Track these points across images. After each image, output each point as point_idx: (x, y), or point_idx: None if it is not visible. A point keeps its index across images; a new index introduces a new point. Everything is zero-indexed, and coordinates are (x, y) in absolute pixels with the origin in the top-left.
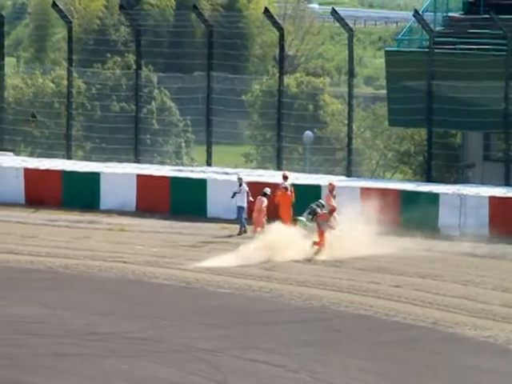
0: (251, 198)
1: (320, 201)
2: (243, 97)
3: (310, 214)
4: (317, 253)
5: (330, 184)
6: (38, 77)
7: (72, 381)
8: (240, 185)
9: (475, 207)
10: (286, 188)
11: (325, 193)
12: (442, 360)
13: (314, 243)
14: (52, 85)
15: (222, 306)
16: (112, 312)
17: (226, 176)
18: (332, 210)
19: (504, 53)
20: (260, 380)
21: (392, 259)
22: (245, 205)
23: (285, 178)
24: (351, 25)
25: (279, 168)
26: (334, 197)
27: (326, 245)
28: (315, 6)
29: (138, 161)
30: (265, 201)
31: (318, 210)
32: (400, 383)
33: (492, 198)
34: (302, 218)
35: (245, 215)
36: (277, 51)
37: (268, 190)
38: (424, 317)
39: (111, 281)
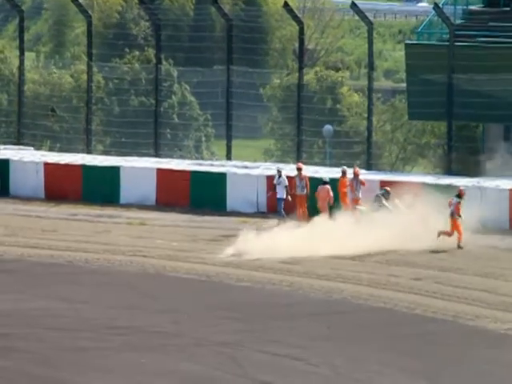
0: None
1: (386, 188)
2: (261, 90)
3: (382, 197)
4: (459, 242)
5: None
6: (54, 72)
7: (92, 375)
8: (279, 177)
9: (495, 200)
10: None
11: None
12: (463, 353)
13: (442, 233)
14: (70, 79)
15: (243, 300)
16: (132, 306)
17: (245, 170)
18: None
19: None
20: (280, 373)
21: (412, 252)
22: (284, 196)
23: (299, 169)
24: (371, 18)
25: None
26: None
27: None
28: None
29: (158, 155)
30: (329, 189)
31: (384, 200)
32: (421, 377)
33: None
34: (363, 208)
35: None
36: (296, 45)
37: (327, 178)
38: (444, 310)
39: (131, 275)
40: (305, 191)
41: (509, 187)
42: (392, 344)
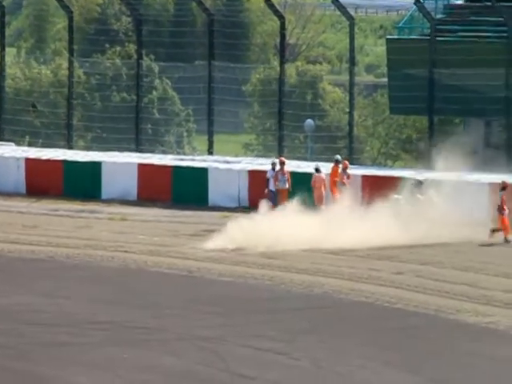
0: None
1: (418, 178)
2: (243, 86)
3: (416, 188)
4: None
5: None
6: (34, 67)
7: (73, 370)
8: (273, 169)
9: (476, 194)
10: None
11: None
12: (444, 347)
13: (494, 231)
14: (51, 75)
15: (224, 295)
16: (113, 301)
17: (227, 165)
18: None
19: (505, 40)
20: (263, 368)
21: (393, 246)
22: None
23: (282, 163)
24: (352, 13)
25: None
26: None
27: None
28: None
29: (139, 150)
30: (324, 176)
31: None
32: (403, 370)
33: (492, 185)
34: (399, 197)
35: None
36: (278, 40)
37: (320, 165)
38: (426, 304)
39: (112, 270)
40: (287, 185)
41: (489, 181)
42: (374, 338)
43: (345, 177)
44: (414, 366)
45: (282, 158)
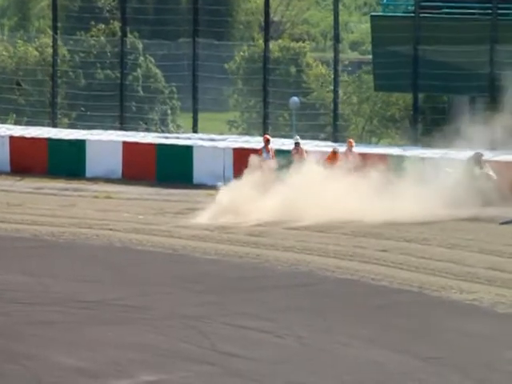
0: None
1: (478, 152)
2: (227, 63)
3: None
4: None
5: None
6: (20, 45)
7: (58, 349)
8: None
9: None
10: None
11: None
12: (428, 324)
13: None
14: (36, 53)
15: (209, 273)
16: (98, 280)
17: (212, 143)
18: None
19: (489, 17)
20: (248, 346)
21: (378, 224)
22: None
23: (267, 141)
24: None
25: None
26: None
27: None
28: None
29: (123, 128)
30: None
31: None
32: (387, 348)
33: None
34: (450, 170)
35: None
36: (262, 18)
37: (298, 138)
38: (410, 281)
39: (98, 248)
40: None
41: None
42: (359, 315)
43: (350, 156)
44: (399, 343)
45: (267, 136)
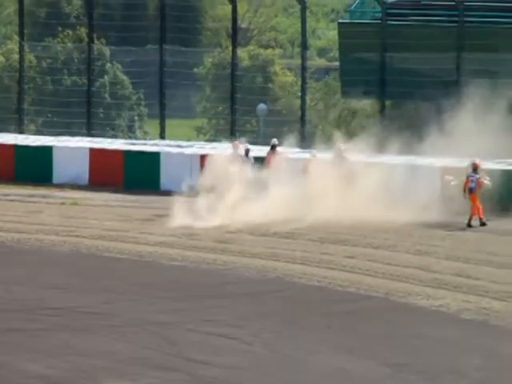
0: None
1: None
2: (195, 70)
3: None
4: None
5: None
6: None
7: (23, 356)
8: (246, 154)
9: (428, 178)
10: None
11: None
12: (395, 330)
13: (472, 215)
14: (2, 58)
15: (176, 280)
16: (65, 286)
17: (179, 149)
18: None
19: (456, 24)
20: (215, 353)
21: (345, 230)
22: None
23: (236, 147)
24: None
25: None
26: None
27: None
28: None
29: (90, 134)
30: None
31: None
32: (354, 354)
33: (443, 169)
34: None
35: None
36: (230, 24)
37: (275, 141)
38: (377, 287)
39: (64, 255)
40: None
41: (440, 165)
42: (326, 322)
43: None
44: (366, 349)
45: (236, 142)
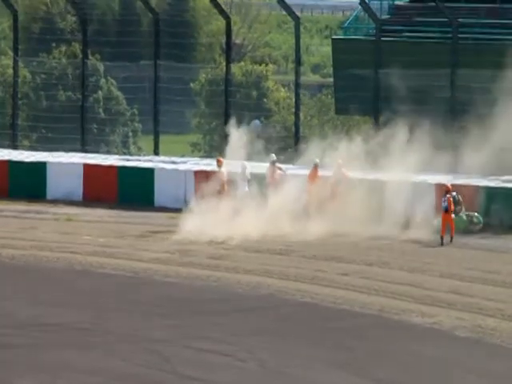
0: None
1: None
2: (191, 84)
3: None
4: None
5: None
6: None
7: (17, 372)
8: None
9: (422, 194)
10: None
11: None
12: (389, 347)
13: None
14: None
15: (170, 296)
16: (59, 303)
17: (173, 165)
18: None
19: (449, 40)
20: (208, 369)
21: (339, 247)
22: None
23: (219, 162)
24: (298, 13)
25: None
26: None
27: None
28: None
29: (84, 150)
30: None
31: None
32: (348, 371)
33: (437, 186)
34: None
35: None
36: (224, 40)
37: (274, 157)
38: (371, 304)
39: (58, 271)
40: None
41: (435, 182)
42: (319, 338)
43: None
44: (359, 366)
45: (220, 159)
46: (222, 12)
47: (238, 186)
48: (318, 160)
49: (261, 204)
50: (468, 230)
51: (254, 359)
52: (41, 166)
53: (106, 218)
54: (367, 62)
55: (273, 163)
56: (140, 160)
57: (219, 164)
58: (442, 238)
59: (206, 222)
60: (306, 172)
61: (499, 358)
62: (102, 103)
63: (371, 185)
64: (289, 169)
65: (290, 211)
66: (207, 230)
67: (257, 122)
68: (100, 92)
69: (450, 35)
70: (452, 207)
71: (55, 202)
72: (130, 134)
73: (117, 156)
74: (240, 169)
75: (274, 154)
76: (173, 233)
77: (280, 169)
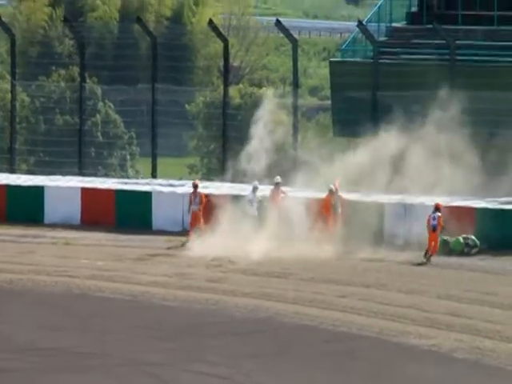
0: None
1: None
2: (187, 106)
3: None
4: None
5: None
6: None
7: None
8: (253, 192)
9: (419, 216)
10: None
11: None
12: (387, 369)
13: (430, 252)
14: None
15: (169, 319)
16: (57, 327)
17: (171, 188)
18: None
19: (447, 62)
20: None
21: (337, 269)
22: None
23: (195, 186)
24: (295, 35)
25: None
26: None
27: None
28: None
29: (82, 174)
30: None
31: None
32: None
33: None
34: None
35: None
36: (221, 63)
37: (279, 179)
38: (369, 326)
39: (56, 295)
40: (197, 207)
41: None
42: (318, 361)
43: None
44: None
45: (196, 181)
46: (219, 35)
47: (247, 209)
48: (279, 178)
49: (263, 226)
50: (464, 252)
51: (252, 382)
52: (38, 190)
53: (104, 241)
54: (365, 84)
55: (277, 185)
56: (138, 183)
57: (196, 185)
58: (427, 255)
59: (209, 245)
60: (305, 195)
61: (498, 380)
62: (99, 127)
63: (367, 206)
64: (288, 191)
65: (291, 234)
66: (210, 252)
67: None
68: (98, 115)
69: (447, 57)
70: (440, 227)
71: (53, 225)
72: (128, 157)
73: (115, 179)
74: (251, 190)
75: (279, 177)
76: (172, 256)
77: (283, 192)
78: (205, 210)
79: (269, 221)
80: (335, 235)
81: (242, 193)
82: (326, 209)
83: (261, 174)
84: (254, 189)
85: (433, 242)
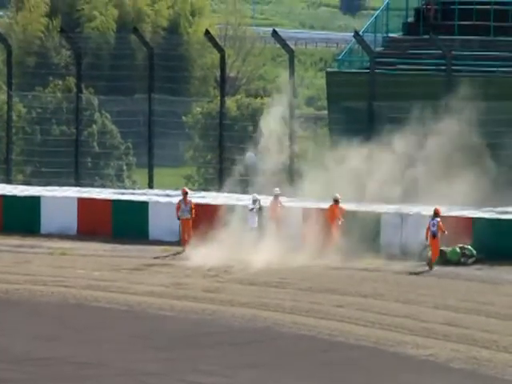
0: None
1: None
2: (183, 118)
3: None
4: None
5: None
6: None
7: None
8: (253, 203)
9: (416, 226)
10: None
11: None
12: (384, 379)
13: (431, 259)
14: None
15: (165, 329)
16: (53, 337)
17: (167, 198)
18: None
19: (443, 72)
20: None
21: (334, 279)
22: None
23: (185, 194)
24: (292, 46)
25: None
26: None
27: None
28: None
29: (78, 184)
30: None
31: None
32: None
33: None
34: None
35: None
36: (218, 73)
37: (278, 190)
38: (366, 336)
39: (52, 305)
40: (189, 215)
41: (429, 213)
42: (315, 371)
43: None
44: None
45: (185, 189)
46: (216, 45)
47: (248, 220)
48: (278, 190)
49: (262, 237)
50: (461, 262)
51: None
52: (35, 201)
53: (101, 251)
54: (361, 95)
55: (276, 197)
56: (134, 193)
57: (185, 194)
58: (430, 263)
59: (206, 254)
60: (303, 205)
61: None
62: (96, 137)
63: (364, 216)
64: (286, 202)
65: (290, 245)
66: (207, 262)
67: (251, 154)
68: (94, 126)
69: (443, 67)
70: (441, 231)
71: (49, 236)
72: (125, 167)
73: (111, 190)
74: (251, 201)
75: (278, 188)
76: (169, 266)
77: (280, 203)
78: (195, 218)
79: (268, 232)
80: (334, 245)
81: (239, 203)
82: (331, 218)
83: (259, 185)
84: (254, 201)
85: (433, 249)
